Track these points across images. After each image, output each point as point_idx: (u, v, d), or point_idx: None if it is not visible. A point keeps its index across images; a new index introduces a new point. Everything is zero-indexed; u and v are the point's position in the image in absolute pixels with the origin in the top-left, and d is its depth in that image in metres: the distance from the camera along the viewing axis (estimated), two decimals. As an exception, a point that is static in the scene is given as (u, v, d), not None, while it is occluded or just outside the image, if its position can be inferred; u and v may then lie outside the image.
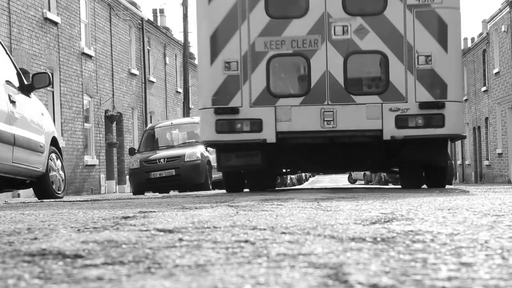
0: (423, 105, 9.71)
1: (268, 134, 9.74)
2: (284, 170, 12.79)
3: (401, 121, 9.69)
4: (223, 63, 9.76)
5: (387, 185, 31.71)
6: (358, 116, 9.71)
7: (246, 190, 11.34)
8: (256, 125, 9.70)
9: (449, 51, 9.77)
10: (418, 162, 10.61)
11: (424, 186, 11.32)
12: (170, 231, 3.19)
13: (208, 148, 15.27)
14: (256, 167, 10.23)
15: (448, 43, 9.76)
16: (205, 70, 9.97)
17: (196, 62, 47.85)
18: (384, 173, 22.79)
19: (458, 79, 10.14)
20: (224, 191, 11.63)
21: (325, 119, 9.74)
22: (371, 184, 34.31)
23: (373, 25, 9.73)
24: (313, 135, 9.85)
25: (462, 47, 42.56)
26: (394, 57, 9.71)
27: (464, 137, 11.35)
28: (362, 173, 40.23)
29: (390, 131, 9.70)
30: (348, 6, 9.82)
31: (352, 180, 43.83)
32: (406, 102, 9.72)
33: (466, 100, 41.36)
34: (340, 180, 49.36)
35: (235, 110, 9.76)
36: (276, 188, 13.50)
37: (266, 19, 9.80)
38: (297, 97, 9.89)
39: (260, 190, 10.65)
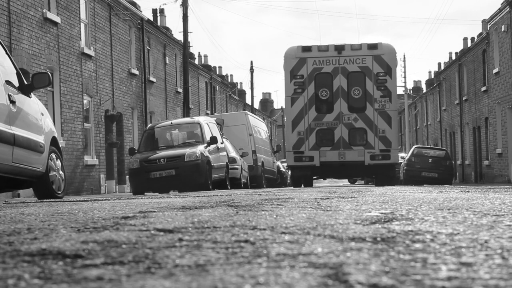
0: (381, 150, 20.66)
1: (316, 162, 20.79)
2: (316, 177, 23.46)
3: (372, 157, 20.69)
4: (297, 132, 20.86)
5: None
6: (354, 155, 20.71)
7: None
8: (311, 159, 20.74)
9: (392, 128, 20.81)
10: (382, 174, 21.35)
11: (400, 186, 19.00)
12: (170, 231, 3.19)
13: (209, 148, 19.96)
14: (308, 176, 21.68)
15: (392, 124, 20.78)
16: (289, 135, 21.10)
17: (196, 62, 47.95)
18: None
19: (396, 139, 21.04)
20: (224, 191, 12.87)
21: (340, 156, 20.78)
22: (371, 184, 34.61)
23: (361, 117, 20.86)
24: (335, 163, 20.86)
25: (462, 47, 43.05)
26: (369, 131, 20.73)
27: (399, 164, 26.24)
28: None
29: (368, 161, 20.74)
30: (349, 108, 20.89)
31: (352, 180, 44.10)
32: (374, 149, 20.68)
33: (466, 100, 41.37)
34: (340, 180, 49.44)
35: (302, 152, 20.78)
36: (277, 188, 18.60)
37: (315, 114, 20.93)
38: (328, 147, 20.85)
39: (309, 186, 21.51)
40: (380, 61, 20.68)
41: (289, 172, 28.80)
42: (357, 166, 20.83)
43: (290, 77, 20.83)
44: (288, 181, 33.44)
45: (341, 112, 20.75)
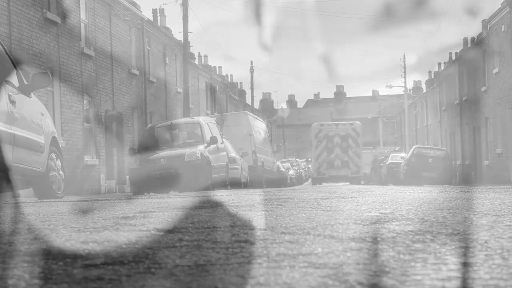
0: (356, 170, 40.26)
1: (327, 176, 40.22)
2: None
3: (352, 173, 39.98)
4: (318, 162, 40.33)
5: (387, 185, 31.78)
6: (343, 172, 40.25)
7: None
8: (324, 174, 40.17)
9: (360, 159, 40.49)
10: (355, 181, 39.65)
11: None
12: (170, 231, 3.19)
13: (209, 148, 19.62)
14: (321, 181, 39.95)
15: (360, 158, 40.60)
16: (314, 163, 40.91)
17: (196, 62, 47.98)
18: (384, 173, 44.49)
19: (362, 165, 41.42)
20: (224, 191, 13.89)
21: (337, 172, 40.25)
22: (371, 184, 35.17)
23: (347, 155, 40.18)
24: (335, 175, 40.50)
25: (462, 47, 43.07)
26: (350, 161, 40.00)
27: (362, 177, 43.77)
28: None
29: (349, 175, 39.94)
30: (341, 151, 40.30)
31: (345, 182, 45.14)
32: (352, 170, 40.05)
33: (466, 100, 41.38)
34: (338, 184, 50.17)
35: (320, 171, 40.39)
36: (277, 188, 18.58)
37: (326, 154, 40.14)
38: (332, 168, 40.36)
39: (320, 184, 38.84)
40: (354, 130, 40.22)
41: (311, 181, 47.90)
42: (345, 177, 39.78)
43: (315, 137, 40.21)
44: (288, 181, 45.94)
45: (338, 153, 39.72)
